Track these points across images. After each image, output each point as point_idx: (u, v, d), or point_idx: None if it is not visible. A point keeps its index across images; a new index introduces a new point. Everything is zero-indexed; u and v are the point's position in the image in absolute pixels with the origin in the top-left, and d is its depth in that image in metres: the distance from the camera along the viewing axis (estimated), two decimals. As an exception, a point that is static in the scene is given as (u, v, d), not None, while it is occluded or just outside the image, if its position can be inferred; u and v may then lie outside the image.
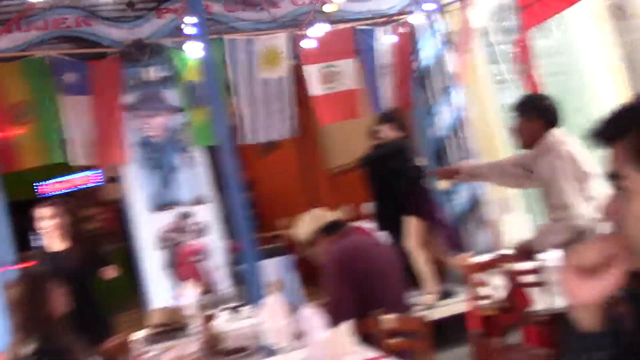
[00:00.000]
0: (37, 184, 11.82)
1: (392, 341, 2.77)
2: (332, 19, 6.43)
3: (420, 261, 5.52)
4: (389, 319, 2.76)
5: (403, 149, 5.65)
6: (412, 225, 5.51)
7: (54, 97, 5.74)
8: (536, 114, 3.45)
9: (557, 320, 3.84)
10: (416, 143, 5.94)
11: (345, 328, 1.69)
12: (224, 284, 5.78)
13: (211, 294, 3.57)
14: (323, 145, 9.65)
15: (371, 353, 2.47)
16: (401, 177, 5.52)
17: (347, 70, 6.55)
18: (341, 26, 6.51)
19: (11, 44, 5.63)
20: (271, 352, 2.56)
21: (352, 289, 3.15)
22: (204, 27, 5.19)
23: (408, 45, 6.73)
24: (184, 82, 6.08)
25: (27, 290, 2.91)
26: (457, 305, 5.39)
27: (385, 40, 6.61)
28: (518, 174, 3.67)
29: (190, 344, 3.03)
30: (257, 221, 13.45)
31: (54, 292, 2.99)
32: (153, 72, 6.01)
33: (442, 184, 4.23)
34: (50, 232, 4.52)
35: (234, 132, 6.28)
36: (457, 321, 5.14)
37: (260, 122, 6.32)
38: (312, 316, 1.95)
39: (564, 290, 0.99)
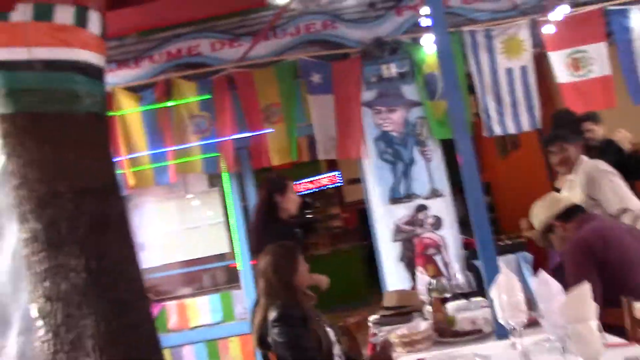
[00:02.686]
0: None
1: (645, 331, 2.46)
2: (576, 1, 6.01)
3: None
4: (640, 307, 2.45)
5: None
6: None
7: (299, 97, 6.19)
8: None
9: None
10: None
11: (584, 291, 1.52)
12: (458, 276, 5.69)
13: (445, 281, 3.49)
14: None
15: (619, 341, 2.23)
16: None
17: (599, 56, 6.01)
18: (587, 8, 6.03)
19: (267, 50, 6.21)
20: (504, 334, 2.44)
21: (599, 277, 2.88)
22: (442, 21, 5.17)
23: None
24: (422, 76, 6.14)
25: (277, 258, 3.14)
26: None
27: (644, 20, 5.94)
28: None
29: (421, 323, 3.01)
30: (494, 226, 13.03)
31: (301, 264, 3.20)
32: (392, 68, 6.16)
33: None
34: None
35: (478, 125, 6.18)
36: None
37: (505, 113, 6.12)
38: (548, 282, 1.79)
39: None
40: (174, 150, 5.95)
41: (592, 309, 1.51)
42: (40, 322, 3.51)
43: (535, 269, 6.04)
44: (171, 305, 6.18)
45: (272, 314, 2.99)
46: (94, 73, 3.85)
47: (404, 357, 2.68)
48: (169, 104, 5.98)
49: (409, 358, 2.61)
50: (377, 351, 2.55)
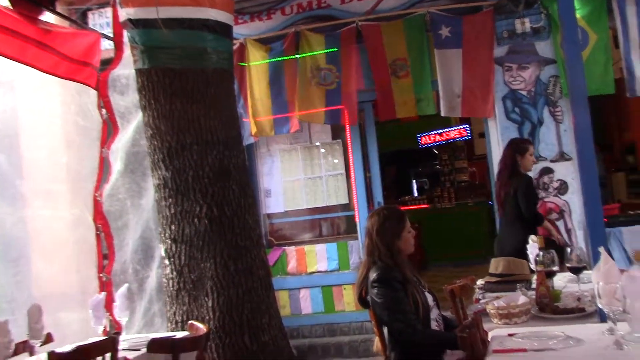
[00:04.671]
0: (419, 135, 12.72)
1: None
2: None
3: None
4: None
5: None
6: None
7: (429, 51, 6.07)
8: None
9: None
10: None
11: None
12: (581, 243, 5.48)
13: (554, 254, 3.38)
14: None
15: None
16: None
17: None
18: None
19: (396, 4, 6.13)
20: (604, 317, 2.38)
21: None
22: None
23: None
24: (560, 31, 5.80)
25: (382, 221, 3.23)
26: None
27: None
28: None
29: (520, 297, 2.99)
30: (637, 187, 12.09)
31: (406, 230, 3.26)
32: (526, 23, 5.87)
33: None
34: None
35: (621, 84, 5.78)
36: None
37: None
38: (636, 280, 1.74)
39: None
40: (299, 101, 6.11)
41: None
42: (166, 262, 3.89)
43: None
44: (291, 250, 6.50)
45: (373, 275, 3.09)
46: (222, 30, 4.07)
47: (497, 329, 2.69)
48: (297, 56, 6.11)
49: (501, 331, 2.62)
50: (466, 324, 2.58)
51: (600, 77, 5.64)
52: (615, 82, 5.79)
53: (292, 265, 6.50)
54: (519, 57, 5.91)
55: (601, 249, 2.24)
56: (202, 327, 3.40)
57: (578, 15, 5.65)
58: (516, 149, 5.05)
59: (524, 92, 5.88)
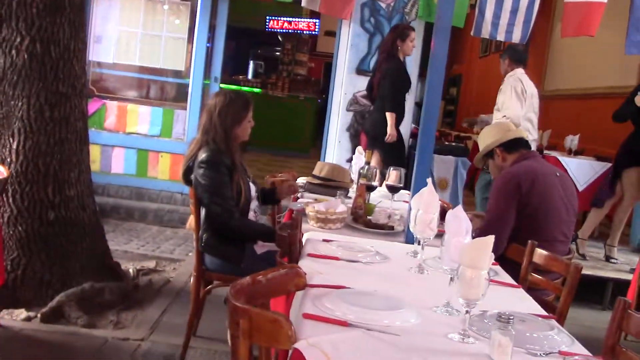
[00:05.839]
0: (269, 17, 12.38)
1: (535, 276, 2.62)
2: None
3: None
4: (541, 254, 2.58)
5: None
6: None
7: None
8: None
9: None
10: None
11: (487, 242, 1.57)
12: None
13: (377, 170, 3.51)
14: (550, 61, 8.90)
15: (507, 279, 2.36)
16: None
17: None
18: None
19: None
20: (411, 239, 2.53)
21: (516, 213, 2.98)
22: None
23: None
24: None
25: (227, 103, 3.10)
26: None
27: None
28: None
29: (340, 204, 3.09)
30: (451, 117, 12.98)
31: (247, 119, 3.17)
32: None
33: None
34: None
35: (470, 18, 5.99)
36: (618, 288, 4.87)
37: (502, 18, 5.88)
38: (460, 218, 1.84)
39: None
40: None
41: (488, 260, 1.56)
42: (-29, 89, 3.43)
43: (468, 176, 6.23)
44: (112, 105, 6.11)
45: (202, 155, 2.99)
46: None
47: (312, 232, 2.77)
48: None
49: (316, 234, 2.70)
50: (287, 224, 2.61)
51: (456, 9, 5.78)
52: (463, 18, 6.01)
53: (110, 120, 6.12)
54: (389, -33, 5.87)
55: (429, 180, 2.35)
56: (1, 170, 3.09)
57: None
58: (399, 33, 5.31)
59: (382, 4, 5.89)
